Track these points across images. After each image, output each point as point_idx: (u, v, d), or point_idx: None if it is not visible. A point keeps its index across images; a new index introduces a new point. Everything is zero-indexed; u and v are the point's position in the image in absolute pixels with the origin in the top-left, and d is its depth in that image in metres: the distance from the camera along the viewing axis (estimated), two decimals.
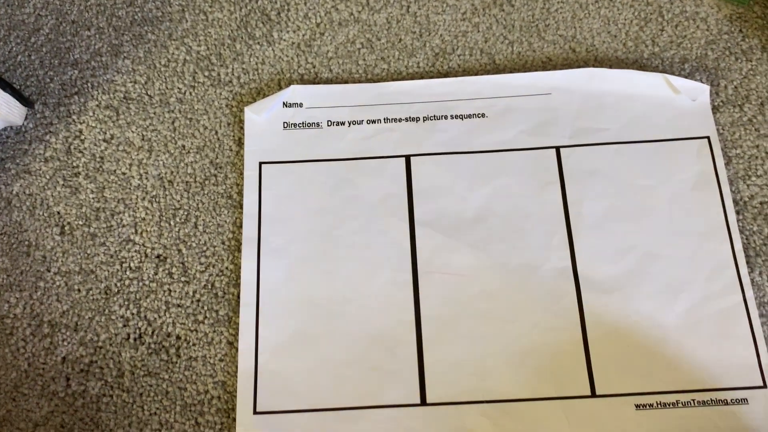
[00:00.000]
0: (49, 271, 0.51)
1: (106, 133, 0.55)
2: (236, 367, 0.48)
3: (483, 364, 0.48)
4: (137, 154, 0.55)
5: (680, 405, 0.46)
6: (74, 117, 0.56)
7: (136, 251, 0.52)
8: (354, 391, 0.47)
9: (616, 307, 0.48)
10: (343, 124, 0.54)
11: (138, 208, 0.53)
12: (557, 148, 0.53)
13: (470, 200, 0.52)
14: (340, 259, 0.50)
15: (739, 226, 0.50)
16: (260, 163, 0.53)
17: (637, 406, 0.46)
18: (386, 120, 0.54)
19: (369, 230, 0.51)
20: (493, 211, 0.51)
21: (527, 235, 0.51)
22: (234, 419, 0.47)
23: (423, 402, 0.47)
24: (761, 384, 0.46)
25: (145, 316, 0.50)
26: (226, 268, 0.51)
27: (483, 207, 0.51)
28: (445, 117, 0.54)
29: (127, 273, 0.51)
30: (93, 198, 0.53)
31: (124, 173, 0.54)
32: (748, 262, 0.49)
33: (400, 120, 0.54)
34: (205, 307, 0.50)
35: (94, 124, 0.56)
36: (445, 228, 0.51)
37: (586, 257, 0.50)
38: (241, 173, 0.53)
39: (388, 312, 0.49)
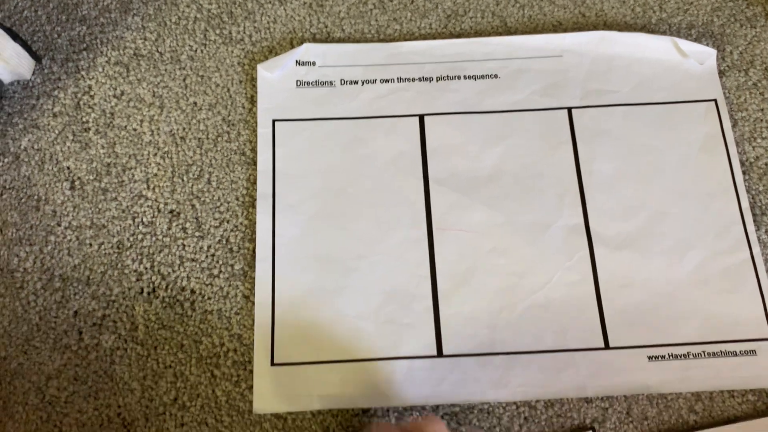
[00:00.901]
0: (59, 226, 0.51)
1: (116, 89, 0.55)
2: (252, 320, 0.48)
3: (498, 317, 0.48)
4: (148, 111, 0.54)
5: (691, 356, 0.47)
6: (83, 73, 0.55)
7: (148, 206, 0.51)
8: (370, 344, 0.47)
9: (628, 263, 0.49)
10: (356, 83, 0.54)
11: (150, 164, 0.53)
12: (569, 109, 0.54)
13: (483, 159, 0.52)
14: (355, 216, 0.51)
15: (745, 185, 0.51)
16: (273, 121, 0.53)
17: (650, 358, 0.47)
18: (399, 80, 0.55)
19: (383, 188, 0.51)
20: (506, 170, 0.52)
21: (540, 193, 0.51)
22: (251, 371, 0.47)
23: (439, 354, 0.47)
24: None
25: (159, 271, 0.50)
26: (241, 223, 0.51)
27: (496, 166, 0.52)
28: (458, 77, 0.55)
29: (140, 228, 0.51)
30: (104, 153, 0.53)
31: (135, 129, 0.54)
32: (754, 221, 0.50)
33: (413, 80, 0.55)
34: (220, 262, 0.50)
35: (104, 80, 0.55)
36: (459, 186, 0.51)
37: (597, 215, 0.50)
38: (254, 130, 0.53)
39: (403, 268, 0.49)
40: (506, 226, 0.50)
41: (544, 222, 0.50)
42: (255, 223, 0.50)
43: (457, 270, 0.49)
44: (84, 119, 0.54)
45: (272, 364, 0.47)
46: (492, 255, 0.49)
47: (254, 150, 0.53)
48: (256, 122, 0.53)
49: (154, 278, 0.49)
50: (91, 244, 0.50)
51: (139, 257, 0.50)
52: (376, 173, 0.52)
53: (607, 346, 0.47)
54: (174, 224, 0.51)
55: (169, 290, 0.49)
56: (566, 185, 0.51)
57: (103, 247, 0.50)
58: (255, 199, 0.51)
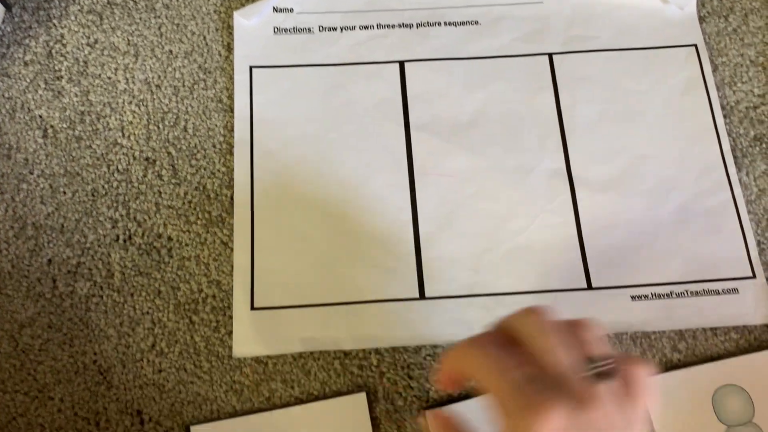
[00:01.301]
0: (32, 174, 0.50)
1: (89, 38, 0.53)
2: (231, 266, 0.47)
3: (480, 260, 0.48)
4: (123, 59, 0.53)
5: (674, 295, 0.47)
6: (55, 21, 0.54)
7: (123, 154, 0.50)
8: (353, 287, 0.47)
9: (610, 205, 0.49)
10: (335, 29, 0.54)
11: (125, 112, 0.51)
12: (550, 55, 0.53)
13: (465, 105, 0.52)
14: (336, 162, 0.50)
15: (726, 129, 0.51)
16: (251, 67, 0.52)
17: (633, 297, 0.47)
18: (379, 26, 0.54)
19: (364, 134, 0.51)
20: (488, 116, 0.51)
21: (522, 138, 0.51)
22: (230, 317, 0.46)
23: (422, 296, 0.47)
24: (750, 275, 0.47)
25: (135, 218, 0.49)
26: (218, 170, 0.50)
27: (477, 111, 0.51)
28: (439, 24, 0.54)
29: (115, 175, 0.50)
30: (77, 101, 0.52)
31: (109, 77, 0.52)
32: (735, 163, 0.50)
33: (393, 26, 0.54)
34: (197, 209, 0.49)
35: (76, 29, 0.54)
36: (441, 132, 0.51)
37: (579, 158, 0.50)
38: (231, 78, 0.52)
39: (385, 213, 0.49)
40: (488, 171, 0.50)
41: (526, 166, 0.50)
42: (233, 170, 0.49)
43: (440, 214, 0.49)
44: (56, 68, 0.52)
45: (252, 308, 0.46)
46: (474, 199, 0.49)
47: (231, 97, 0.52)
48: (233, 69, 0.52)
49: (130, 225, 0.48)
50: (65, 192, 0.49)
51: (115, 204, 0.49)
52: (356, 120, 0.51)
53: (589, 287, 0.47)
54: (150, 171, 0.50)
55: (145, 237, 0.48)
56: (548, 130, 0.51)
57: (77, 194, 0.49)
58: (232, 146, 0.50)
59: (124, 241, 0.48)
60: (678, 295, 0.46)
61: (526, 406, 0.27)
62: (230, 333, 0.46)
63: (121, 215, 0.49)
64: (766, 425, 0.44)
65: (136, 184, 0.49)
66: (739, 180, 0.50)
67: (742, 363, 0.45)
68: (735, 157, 0.51)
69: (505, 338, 0.31)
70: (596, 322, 0.31)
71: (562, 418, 0.27)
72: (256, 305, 0.46)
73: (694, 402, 0.44)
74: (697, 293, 0.46)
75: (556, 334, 0.29)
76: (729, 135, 0.51)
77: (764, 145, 0.51)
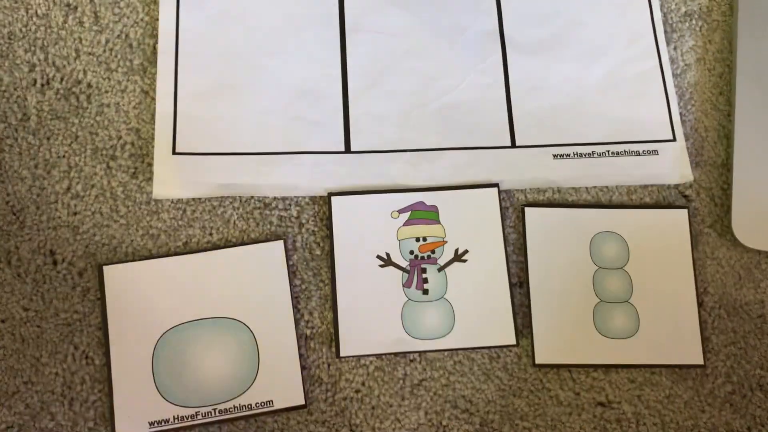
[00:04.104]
0: None
1: None
2: (152, 114, 0.46)
3: (408, 117, 0.47)
4: None
5: (595, 155, 0.47)
6: None
7: None
8: (277, 139, 0.46)
9: (540, 68, 0.49)
10: None
11: None
12: None
13: None
14: (264, 12, 0.49)
15: (659, 2, 0.51)
16: None
17: (555, 156, 0.47)
18: None
19: None
20: None
21: None
22: (149, 164, 0.45)
23: (347, 150, 0.46)
24: (671, 138, 0.48)
25: (54, 63, 0.47)
26: (141, 19, 0.48)
27: None
28: None
29: (33, 19, 0.48)
30: None
31: None
32: (665, 37, 0.51)
33: None
34: (119, 56, 0.48)
35: None
36: None
37: (512, 21, 0.50)
38: None
39: (313, 66, 0.48)
40: (422, 30, 0.49)
41: (460, 26, 0.49)
42: (156, 19, 0.48)
43: (370, 71, 0.48)
44: None
45: (174, 152, 0.45)
46: (406, 57, 0.48)
47: None
48: None
49: (48, 70, 0.47)
50: None
51: (32, 48, 0.47)
52: None
53: (513, 145, 0.47)
54: (70, 17, 0.48)
55: (63, 82, 0.47)
56: None
57: None
58: None
59: (42, 85, 0.46)
60: (600, 155, 0.47)
61: None
62: (149, 179, 0.45)
63: (39, 59, 0.47)
64: (634, 274, 0.45)
65: (55, 30, 0.48)
66: (668, 54, 0.50)
67: (631, 216, 0.46)
68: (665, 32, 0.51)
69: None
70: None
71: None
72: (177, 150, 0.45)
73: (572, 240, 0.45)
74: (618, 153, 0.47)
75: None
76: (661, 10, 0.51)
77: (693, 22, 0.52)
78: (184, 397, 0.42)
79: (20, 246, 0.44)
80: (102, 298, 0.43)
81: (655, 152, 0.47)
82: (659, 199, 0.47)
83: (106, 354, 0.42)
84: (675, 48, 0.51)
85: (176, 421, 0.41)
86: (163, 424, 0.41)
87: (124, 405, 0.41)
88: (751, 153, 0.47)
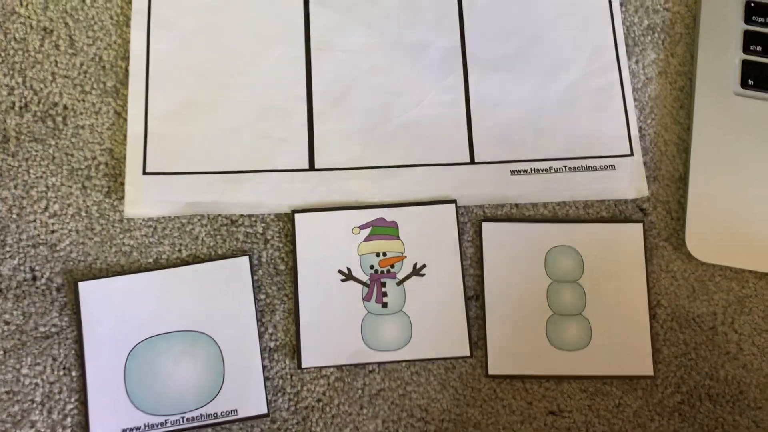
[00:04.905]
0: None
1: None
2: (124, 135, 0.48)
3: (370, 134, 0.49)
4: None
5: (553, 171, 0.48)
6: None
7: (21, 23, 0.50)
8: (244, 157, 0.48)
9: (500, 84, 0.50)
10: None
11: None
12: None
13: None
14: (232, 32, 0.50)
15: (622, 16, 0.52)
16: None
17: (512, 172, 0.48)
18: None
19: (261, 6, 0.51)
20: None
21: (419, 14, 0.51)
22: (122, 183, 0.48)
23: (312, 167, 0.48)
24: (629, 153, 0.49)
25: (31, 86, 0.49)
26: (114, 42, 0.50)
27: None
28: None
29: (12, 44, 0.50)
30: None
31: None
32: (627, 51, 0.51)
33: None
34: (93, 79, 0.50)
35: None
36: (339, 7, 0.51)
37: (475, 37, 0.51)
38: None
39: (279, 85, 0.50)
40: (385, 47, 0.50)
41: (423, 43, 0.51)
42: (128, 42, 0.50)
43: (334, 89, 0.50)
44: None
45: (144, 172, 0.47)
46: (369, 74, 0.50)
47: None
48: None
49: (26, 93, 0.49)
50: None
51: (11, 72, 0.49)
52: None
53: (473, 162, 0.48)
54: (46, 41, 0.50)
55: (41, 105, 0.49)
56: (446, 8, 0.51)
57: None
58: (129, 19, 0.50)
59: (20, 108, 0.49)
60: (557, 171, 0.48)
61: None
62: (121, 198, 0.47)
63: (17, 83, 0.49)
64: (588, 287, 0.46)
65: (32, 53, 0.50)
66: (629, 68, 0.51)
67: (587, 230, 0.47)
68: (627, 45, 0.51)
69: None
70: None
71: None
72: (147, 170, 0.47)
73: (528, 254, 0.47)
74: (575, 169, 0.48)
75: None
76: (623, 24, 0.52)
77: (656, 35, 0.52)
78: (155, 406, 0.44)
79: (2, 264, 0.46)
80: (77, 313, 0.45)
81: (612, 167, 0.48)
82: (616, 213, 0.49)
83: (82, 365, 0.45)
84: (637, 61, 0.52)
85: (147, 428, 0.44)
86: (134, 431, 0.44)
87: (98, 413, 0.44)
88: (707, 167, 0.48)
